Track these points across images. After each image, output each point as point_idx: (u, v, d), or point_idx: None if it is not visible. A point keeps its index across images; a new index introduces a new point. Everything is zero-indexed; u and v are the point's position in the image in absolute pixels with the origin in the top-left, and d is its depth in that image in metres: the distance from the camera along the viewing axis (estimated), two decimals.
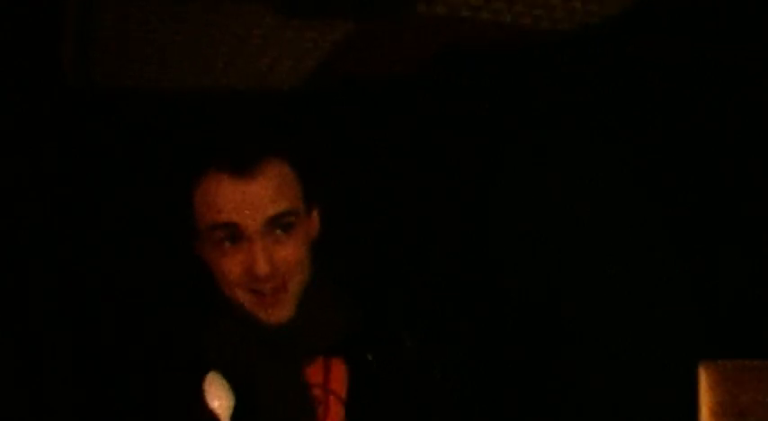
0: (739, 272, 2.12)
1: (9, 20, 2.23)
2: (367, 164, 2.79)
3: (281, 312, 1.49)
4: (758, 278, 2.07)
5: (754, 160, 2.10)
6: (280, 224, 1.47)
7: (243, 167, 1.45)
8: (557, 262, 2.56)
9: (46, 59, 2.36)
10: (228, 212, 1.45)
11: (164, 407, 1.51)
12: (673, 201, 2.28)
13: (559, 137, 2.56)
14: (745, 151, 2.12)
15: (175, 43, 2.38)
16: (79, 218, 2.54)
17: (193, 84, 2.69)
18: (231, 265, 1.47)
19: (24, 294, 2.36)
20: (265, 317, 1.49)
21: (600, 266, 2.43)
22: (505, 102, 2.66)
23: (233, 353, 1.51)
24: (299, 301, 1.50)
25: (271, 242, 1.46)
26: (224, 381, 1.45)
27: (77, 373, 2.34)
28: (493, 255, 2.71)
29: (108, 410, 1.54)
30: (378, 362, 1.55)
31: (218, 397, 1.44)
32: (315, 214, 1.56)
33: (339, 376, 1.53)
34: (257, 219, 1.45)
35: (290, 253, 1.48)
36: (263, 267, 1.45)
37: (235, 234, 1.46)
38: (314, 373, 1.52)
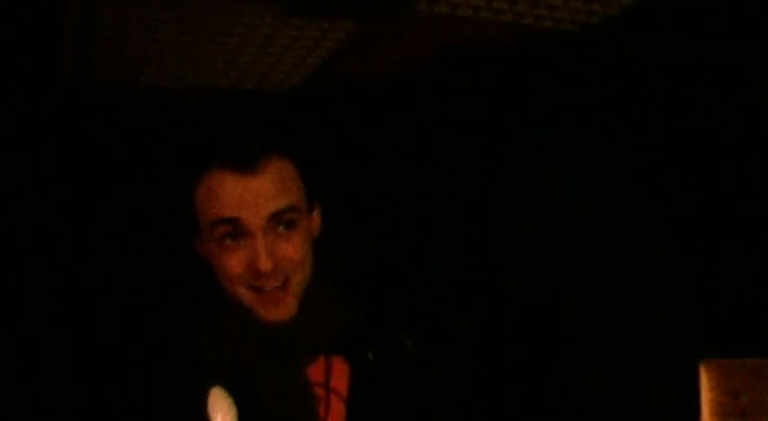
0: (739, 272, 2.12)
1: (9, 20, 2.23)
2: (367, 164, 2.79)
3: (281, 311, 1.49)
4: (758, 278, 2.07)
5: (754, 160, 2.10)
6: (282, 221, 1.47)
7: (245, 164, 1.45)
8: (557, 262, 2.56)
9: (46, 59, 2.36)
10: (231, 208, 1.45)
11: (164, 407, 1.51)
12: (673, 201, 2.28)
13: (559, 137, 2.56)
14: (745, 151, 2.12)
15: (175, 43, 2.38)
16: (79, 218, 2.54)
17: (193, 83, 2.69)
18: (233, 262, 1.47)
19: (24, 294, 2.36)
20: (266, 316, 1.49)
21: (600, 266, 2.43)
22: (505, 102, 2.66)
23: (233, 353, 1.51)
24: (300, 301, 1.51)
25: (273, 238, 1.46)
26: (227, 395, 1.44)
27: (77, 373, 2.34)
28: (493, 255, 2.72)
29: (108, 410, 1.54)
30: (378, 361, 1.55)
31: (221, 410, 1.43)
32: (316, 213, 1.57)
33: (340, 375, 1.53)
34: (260, 215, 1.45)
35: (292, 250, 1.48)
36: (265, 263, 1.45)
37: (237, 230, 1.46)
38: (315, 372, 1.52)
